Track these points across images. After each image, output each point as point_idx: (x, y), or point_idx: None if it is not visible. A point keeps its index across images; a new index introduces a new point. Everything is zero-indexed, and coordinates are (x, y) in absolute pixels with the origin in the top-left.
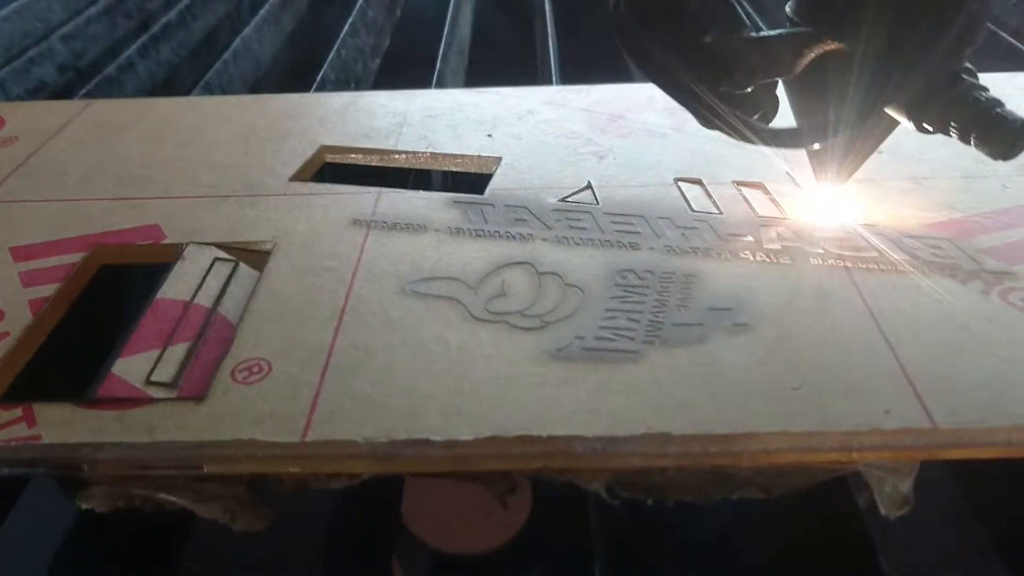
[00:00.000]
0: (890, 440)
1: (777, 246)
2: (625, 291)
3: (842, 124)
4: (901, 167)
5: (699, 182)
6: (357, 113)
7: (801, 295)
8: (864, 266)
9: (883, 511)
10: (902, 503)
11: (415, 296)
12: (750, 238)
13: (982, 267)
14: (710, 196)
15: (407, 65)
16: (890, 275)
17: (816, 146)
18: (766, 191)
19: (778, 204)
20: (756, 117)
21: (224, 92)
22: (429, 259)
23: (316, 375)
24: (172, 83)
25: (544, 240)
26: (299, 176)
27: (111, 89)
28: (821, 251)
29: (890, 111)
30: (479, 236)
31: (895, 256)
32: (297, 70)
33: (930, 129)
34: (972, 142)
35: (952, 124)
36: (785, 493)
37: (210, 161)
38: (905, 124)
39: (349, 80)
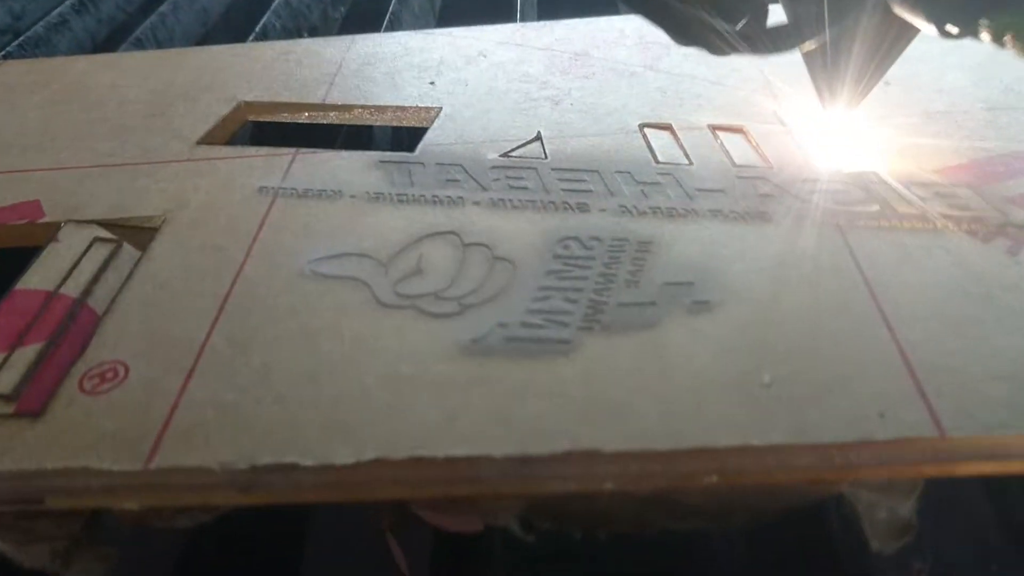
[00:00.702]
0: (884, 453)
1: (755, 202)
2: (565, 264)
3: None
4: (912, 100)
5: (668, 128)
6: (287, 64)
7: (780, 263)
8: (862, 223)
9: (874, 545)
10: (901, 532)
11: (314, 278)
12: (723, 193)
13: (1009, 220)
14: (680, 144)
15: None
16: (893, 234)
17: (810, 45)
18: (747, 136)
19: (761, 151)
20: (740, 26)
21: (160, 48)
22: (338, 231)
23: (179, 380)
24: (114, 42)
25: (476, 204)
26: (210, 138)
27: (39, 50)
28: (809, 206)
29: (905, 13)
30: (401, 202)
31: (901, 209)
32: (253, 21)
33: (955, 32)
34: (1010, 45)
35: (983, 22)
36: (746, 523)
37: (114, 125)
38: (924, 29)
39: (301, 30)
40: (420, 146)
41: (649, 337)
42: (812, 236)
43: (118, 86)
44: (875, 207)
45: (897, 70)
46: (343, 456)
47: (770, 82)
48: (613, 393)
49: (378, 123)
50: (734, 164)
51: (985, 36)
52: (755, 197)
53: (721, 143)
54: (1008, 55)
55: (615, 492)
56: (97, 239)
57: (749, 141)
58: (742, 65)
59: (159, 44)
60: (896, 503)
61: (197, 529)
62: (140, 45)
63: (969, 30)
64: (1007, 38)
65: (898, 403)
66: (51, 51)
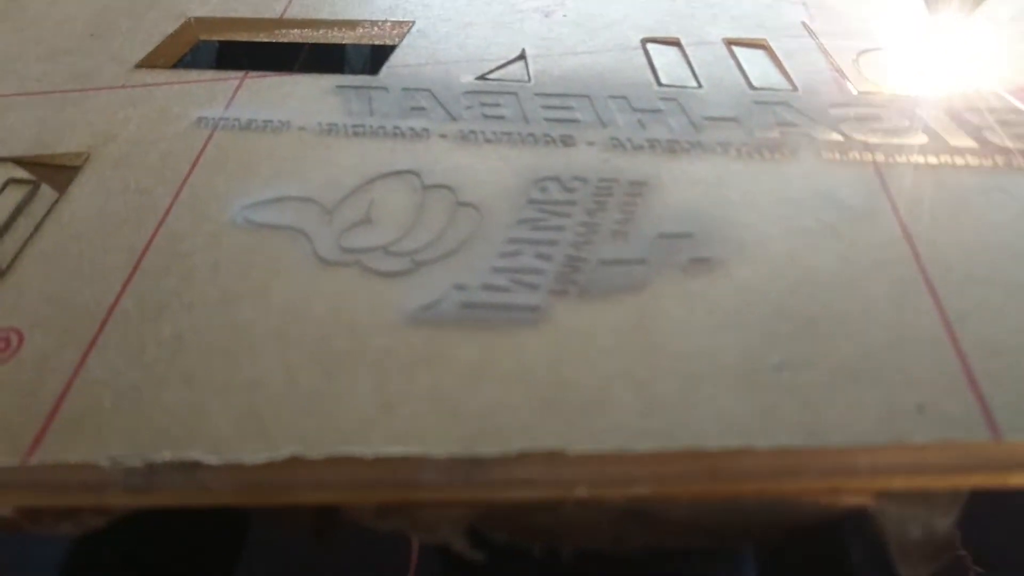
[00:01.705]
0: (922, 459)
1: (773, 134)
2: (541, 211)
3: None
4: None
5: (676, 43)
6: None
7: (799, 211)
8: (903, 160)
9: (903, 571)
10: (936, 553)
11: (246, 228)
12: (735, 123)
13: None
14: (688, 62)
15: None
16: (942, 173)
17: None
18: (770, 51)
19: (784, 70)
20: None
21: None
22: (281, 171)
23: (77, 354)
24: None
25: (443, 137)
26: (150, 61)
27: None
28: (839, 138)
29: None
30: (356, 135)
31: (954, 142)
32: None
33: None
34: None
35: None
36: (744, 543)
37: (47, 47)
38: None
39: None
40: (385, 67)
41: (634, 304)
42: (841, 177)
43: (58, 1)
44: (921, 139)
45: None
46: (254, 453)
47: None
48: (586, 376)
49: (345, 40)
50: (751, 86)
51: None
52: (774, 127)
53: (737, 61)
54: None
55: (584, 501)
56: (11, 180)
57: (771, 58)
58: None
59: None
60: (933, 519)
61: (87, 536)
62: None
63: None
64: None
65: (941, 393)
66: None
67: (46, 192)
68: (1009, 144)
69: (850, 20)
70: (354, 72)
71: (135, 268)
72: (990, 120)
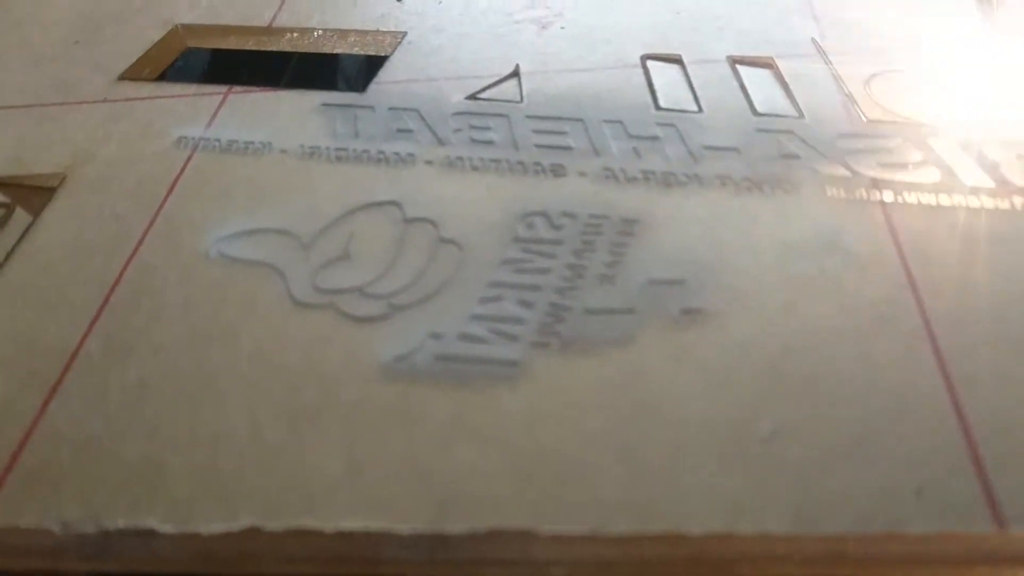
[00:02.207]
0: (919, 550)
1: (776, 167)
2: (525, 251)
3: None
4: None
5: (678, 60)
6: None
7: (800, 256)
8: (914, 200)
9: None
10: None
11: (220, 262)
12: (736, 153)
13: None
14: (689, 82)
15: None
16: (955, 216)
17: None
18: (776, 71)
19: (791, 93)
20: None
21: None
22: (259, 198)
23: (39, 399)
24: None
25: (429, 164)
26: (135, 72)
27: None
28: (846, 173)
29: None
30: (339, 159)
31: (970, 180)
32: None
33: None
34: None
35: None
36: None
37: (31, 54)
38: None
39: None
40: (373, 84)
41: (620, 360)
42: (845, 218)
43: (47, 4)
44: (934, 176)
45: None
46: (211, 521)
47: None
48: (566, 441)
49: (336, 50)
50: (755, 112)
51: None
52: (777, 159)
53: (741, 82)
54: None
55: None
56: None
57: (777, 78)
58: None
59: None
60: None
61: None
62: None
63: None
64: None
65: (942, 475)
66: None
67: (20, 216)
68: None
69: (864, 37)
70: (348, 79)
71: (104, 304)
72: (1011, 155)
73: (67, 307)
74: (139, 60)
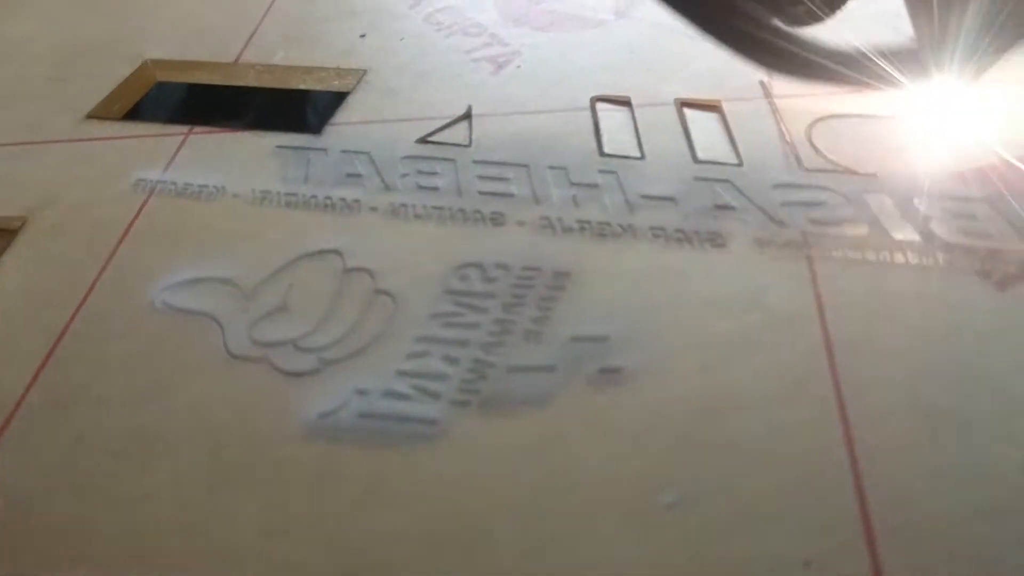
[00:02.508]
0: None
1: (709, 218)
2: (457, 304)
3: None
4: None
5: (627, 103)
6: (205, 8)
7: (721, 313)
8: (839, 255)
9: None
10: None
11: (164, 313)
12: (672, 203)
13: None
14: (635, 127)
15: None
16: (879, 273)
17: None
18: (722, 116)
19: (733, 138)
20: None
21: None
22: (208, 245)
23: None
24: None
25: (373, 210)
26: (103, 109)
27: None
28: (776, 227)
29: None
30: (288, 205)
31: (897, 234)
32: None
33: None
34: None
35: None
36: None
37: (8, 91)
38: None
39: None
40: (329, 125)
41: (535, 422)
42: (771, 274)
43: (26, 38)
44: (862, 229)
45: None
46: None
47: None
48: (476, 505)
49: (302, 86)
50: (695, 159)
51: None
52: (711, 211)
53: (686, 127)
54: None
55: None
56: None
57: (722, 122)
58: None
59: None
60: None
61: None
62: None
63: None
64: None
65: (835, 548)
66: None
67: None
68: (953, 239)
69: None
70: (305, 120)
71: (50, 354)
72: (939, 209)
73: (16, 356)
74: (109, 96)
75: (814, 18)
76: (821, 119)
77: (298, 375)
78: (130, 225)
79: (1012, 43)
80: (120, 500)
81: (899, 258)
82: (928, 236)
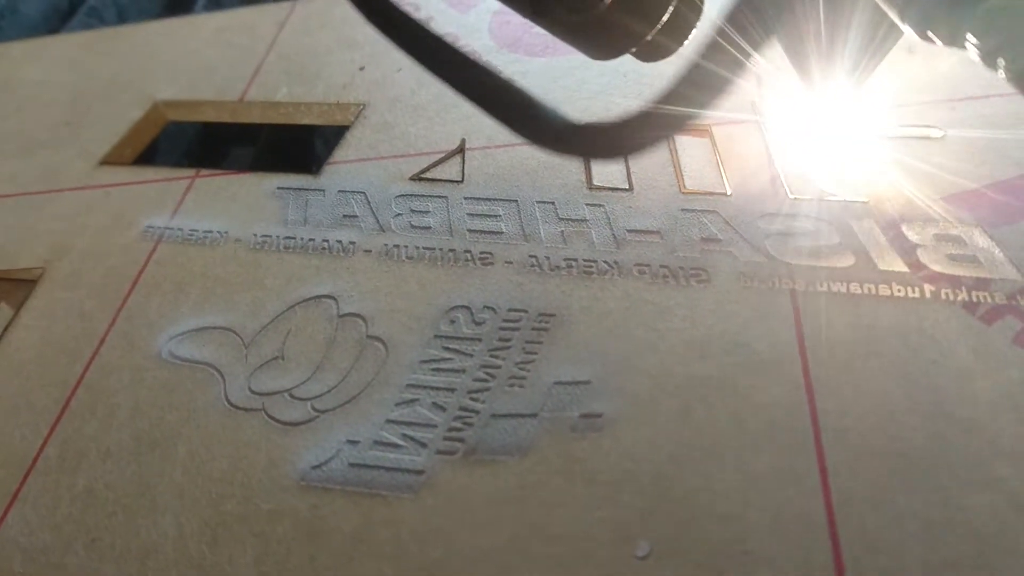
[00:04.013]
0: None
1: (694, 252)
2: (445, 348)
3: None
4: (935, 82)
5: None
6: (217, 46)
7: (701, 355)
8: (825, 288)
9: None
10: None
11: (170, 363)
12: (658, 237)
13: None
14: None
15: None
16: (864, 306)
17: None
18: (711, 141)
19: (721, 165)
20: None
21: (122, 13)
22: (211, 293)
23: (1, 508)
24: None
25: (367, 253)
26: (116, 154)
27: (3, 20)
28: (762, 259)
29: (888, 10)
30: (287, 249)
31: (883, 265)
32: None
33: (936, 40)
34: (1001, 70)
35: (969, 38)
36: None
37: (26, 139)
38: (903, 29)
39: None
40: (326, 165)
41: (516, 471)
42: (754, 311)
43: (44, 82)
44: (848, 260)
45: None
46: None
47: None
48: (455, 558)
49: (303, 121)
50: (682, 189)
51: (973, 53)
52: (697, 243)
53: (675, 154)
54: None
55: None
56: None
57: (712, 148)
58: None
59: (120, 11)
60: None
61: None
62: (97, 15)
63: (955, 42)
64: (1000, 62)
65: None
66: (19, 20)
67: (3, 309)
68: (940, 268)
69: (806, 102)
70: (305, 160)
71: (64, 408)
72: (929, 235)
73: (32, 412)
74: (121, 141)
75: (664, 51)
76: (810, 143)
77: (292, 425)
78: (139, 274)
79: (887, 50)
80: (127, 553)
81: (884, 290)
82: (915, 265)
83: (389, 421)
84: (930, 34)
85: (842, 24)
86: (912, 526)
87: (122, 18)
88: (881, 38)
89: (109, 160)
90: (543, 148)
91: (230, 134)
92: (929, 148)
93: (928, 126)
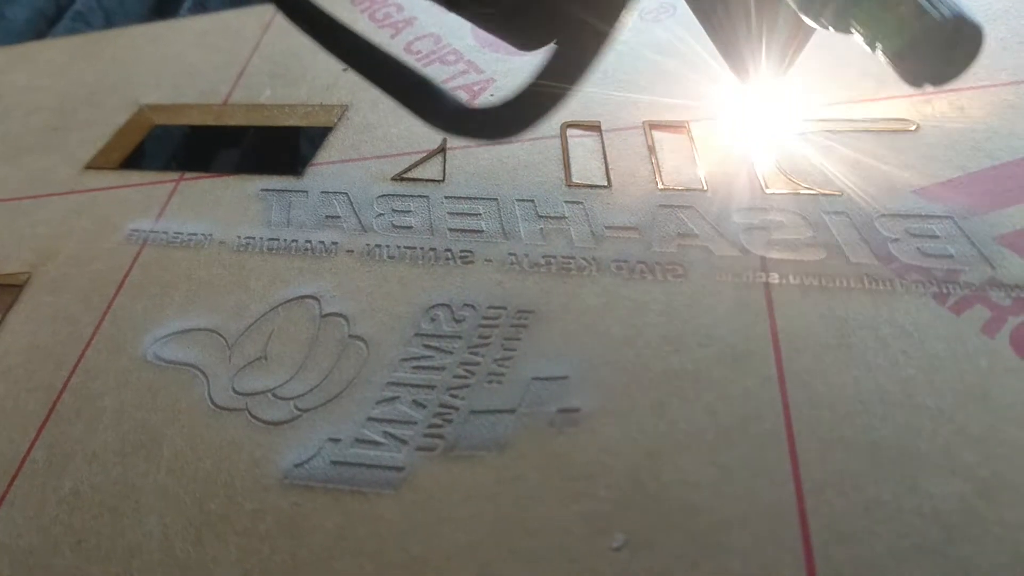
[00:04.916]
0: None
1: (671, 248)
2: (426, 346)
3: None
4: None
5: (596, 127)
6: (202, 49)
7: (677, 348)
8: (798, 282)
9: None
10: None
11: (155, 365)
12: (636, 233)
13: (994, 274)
14: (604, 153)
15: None
16: (835, 299)
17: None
18: (687, 137)
19: (698, 160)
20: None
21: (109, 17)
22: (195, 295)
23: None
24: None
25: (350, 253)
26: (101, 159)
27: None
28: (736, 253)
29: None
30: (270, 251)
31: (854, 257)
32: None
33: (829, 28)
34: (881, 55)
35: (854, 23)
36: None
37: (13, 144)
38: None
39: None
40: (309, 167)
41: (495, 466)
42: (728, 305)
43: (31, 88)
44: (820, 254)
45: None
46: None
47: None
48: (434, 554)
49: (288, 123)
50: (660, 186)
51: (860, 39)
52: (673, 239)
53: (653, 150)
54: None
55: None
56: None
57: (689, 144)
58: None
59: (108, 16)
60: None
61: None
62: (83, 20)
63: (841, 28)
64: (878, 46)
65: None
66: (5, 24)
67: None
68: (911, 260)
69: (777, 97)
70: (288, 161)
71: (51, 411)
72: (899, 228)
73: (19, 415)
74: (107, 146)
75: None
76: (787, 137)
77: (275, 424)
78: (125, 277)
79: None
80: (113, 553)
81: (855, 283)
82: (886, 258)
83: (370, 419)
84: (822, 21)
85: (758, 15)
86: (880, 514)
87: (109, 22)
88: (795, 29)
89: (95, 165)
90: (438, 129)
91: (217, 136)
92: (903, 141)
93: (902, 119)
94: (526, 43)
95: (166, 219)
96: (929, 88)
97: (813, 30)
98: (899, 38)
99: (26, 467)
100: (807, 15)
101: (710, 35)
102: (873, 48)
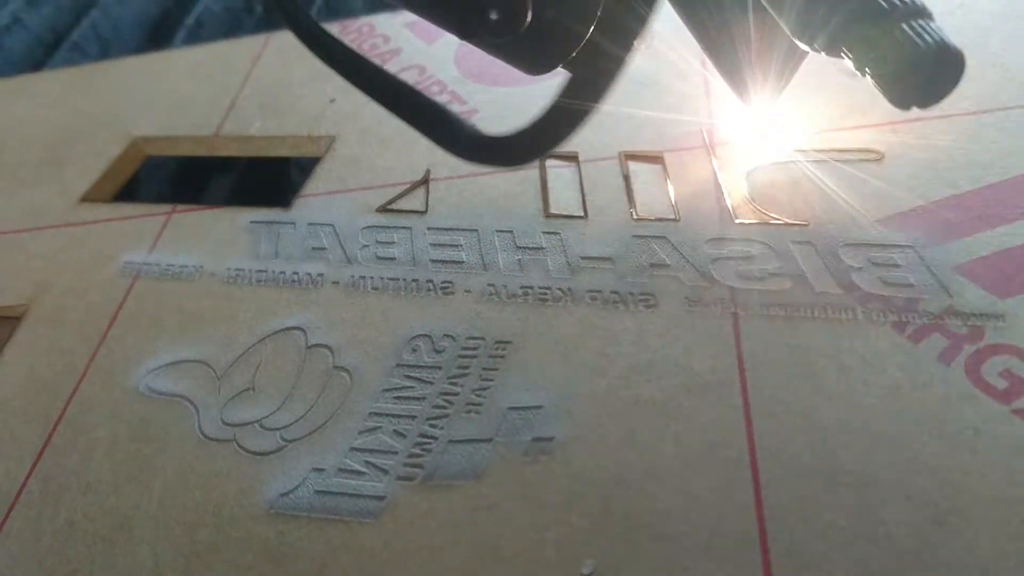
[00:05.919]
0: None
1: (643, 277)
2: (407, 377)
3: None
4: (872, 107)
5: (574, 158)
6: (194, 80)
7: (646, 378)
8: (764, 311)
9: None
10: None
11: (147, 396)
12: (610, 264)
13: (952, 303)
14: (580, 184)
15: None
16: (799, 329)
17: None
18: (663, 170)
19: (672, 193)
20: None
21: (105, 47)
22: (186, 327)
23: None
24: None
25: (335, 284)
26: (96, 191)
27: None
28: (706, 284)
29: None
30: (258, 283)
31: (819, 287)
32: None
33: (821, 52)
34: (870, 79)
35: (845, 50)
36: None
37: (7, 179)
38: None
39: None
40: (297, 198)
41: (471, 495)
42: (697, 335)
43: (26, 120)
44: (786, 284)
45: None
46: None
47: (709, 82)
48: None
49: (277, 154)
50: (634, 217)
51: (850, 63)
52: (646, 269)
53: (628, 182)
54: None
55: None
56: None
57: (663, 175)
58: (680, 58)
59: (102, 44)
60: None
61: None
62: (79, 49)
63: (833, 53)
64: (868, 71)
65: None
66: (3, 54)
67: None
68: (873, 290)
69: (758, 126)
70: (277, 193)
71: (46, 443)
72: (862, 258)
73: (16, 447)
74: (101, 178)
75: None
76: (757, 168)
77: (262, 454)
78: (119, 309)
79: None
80: None
81: (819, 312)
82: (848, 287)
83: (353, 449)
84: (816, 46)
85: (757, 37)
86: (838, 539)
87: (105, 51)
88: (790, 51)
89: (89, 197)
90: (457, 156)
91: (210, 165)
92: (869, 170)
93: (868, 149)
94: (536, 68)
95: (158, 251)
96: (915, 109)
97: (806, 53)
98: (888, 64)
99: (22, 498)
100: (800, 40)
101: (711, 59)
102: (863, 73)
